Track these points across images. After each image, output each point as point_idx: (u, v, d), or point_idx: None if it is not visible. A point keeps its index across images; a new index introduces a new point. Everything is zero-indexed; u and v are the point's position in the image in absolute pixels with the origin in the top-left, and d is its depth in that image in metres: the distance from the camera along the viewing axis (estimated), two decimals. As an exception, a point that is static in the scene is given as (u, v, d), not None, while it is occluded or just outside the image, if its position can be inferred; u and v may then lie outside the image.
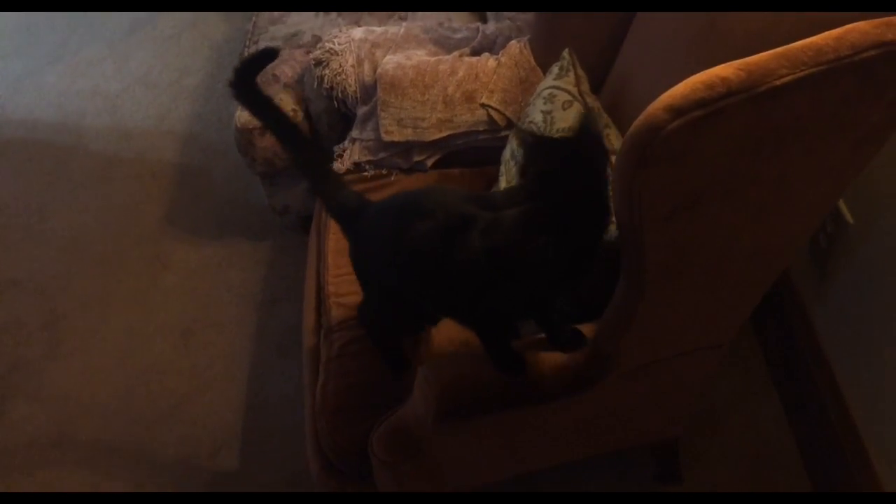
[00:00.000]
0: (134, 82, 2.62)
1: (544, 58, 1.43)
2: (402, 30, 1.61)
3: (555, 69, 1.23)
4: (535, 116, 1.21)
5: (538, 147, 0.90)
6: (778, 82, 0.71)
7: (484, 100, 1.45)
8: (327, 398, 1.26)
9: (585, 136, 0.89)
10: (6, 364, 1.88)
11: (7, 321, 1.97)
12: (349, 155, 1.57)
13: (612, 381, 1.13)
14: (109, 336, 1.93)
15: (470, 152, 1.56)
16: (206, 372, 1.84)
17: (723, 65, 0.71)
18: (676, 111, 0.70)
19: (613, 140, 1.15)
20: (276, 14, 1.92)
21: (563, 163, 0.87)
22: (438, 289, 1.04)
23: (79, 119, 2.51)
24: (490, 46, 1.57)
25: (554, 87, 1.20)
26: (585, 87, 1.21)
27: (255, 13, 1.96)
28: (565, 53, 1.23)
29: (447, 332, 1.27)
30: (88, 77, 2.66)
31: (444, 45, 1.60)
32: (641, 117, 0.72)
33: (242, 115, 1.68)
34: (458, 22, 1.76)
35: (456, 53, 1.53)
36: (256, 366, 1.84)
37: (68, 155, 2.40)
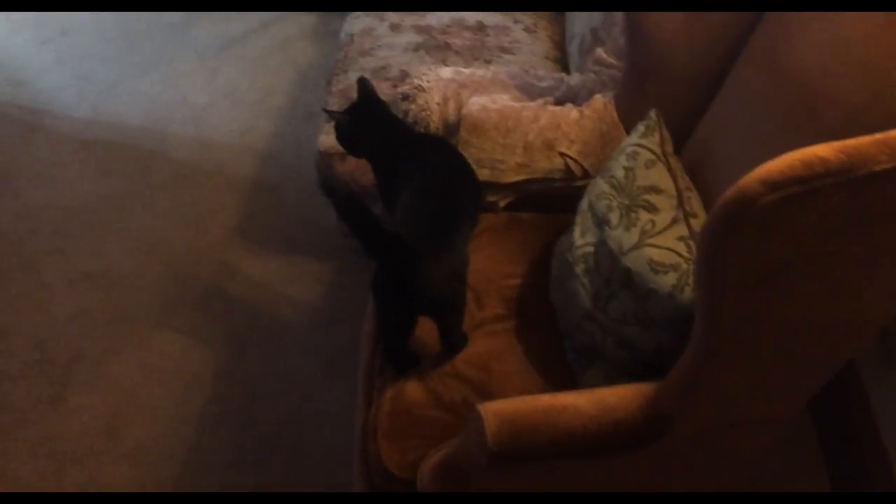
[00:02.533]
0: (220, 97, 2.73)
1: (627, 115, 1.46)
2: (490, 73, 1.66)
3: (640, 127, 1.25)
4: (616, 171, 1.23)
5: None
6: (877, 168, 0.72)
7: (563, 149, 1.48)
8: (381, 422, 1.28)
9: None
10: (71, 352, 1.95)
11: (76, 312, 2.05)
12: (425, 188, 1.61)
13: (669, 443, 1.12)
14: (170, 337, 1.99)
15: (542, 198, 1.59)
16: (259, 383, 1.88)
17: (822, 145, 0.72)
18: (772, 185, 0.71)
19: (695, 204, 1.16)
20: (366, 46, 1.99)
21: None
22: None
23: (164, 126, 2.63)
24: (573, 98, 1.60)
25: (638, 144, 1.22)
26: (669, 148, 1.23)
27: (347, 44, 2.04)
28: (652, 113, 1.25)
29: (516, 384, 1.28)
30: (178, 88, 2.78)
31: (529, 91, 1.64)
32: (735, 187, 0.74)
33: (326, 139, 1.74)
34: (543, 70, 1.80)
35: (540, 101, 1.57)
36: (306, 383, 1.88)
37: (151, 159, 2.50)
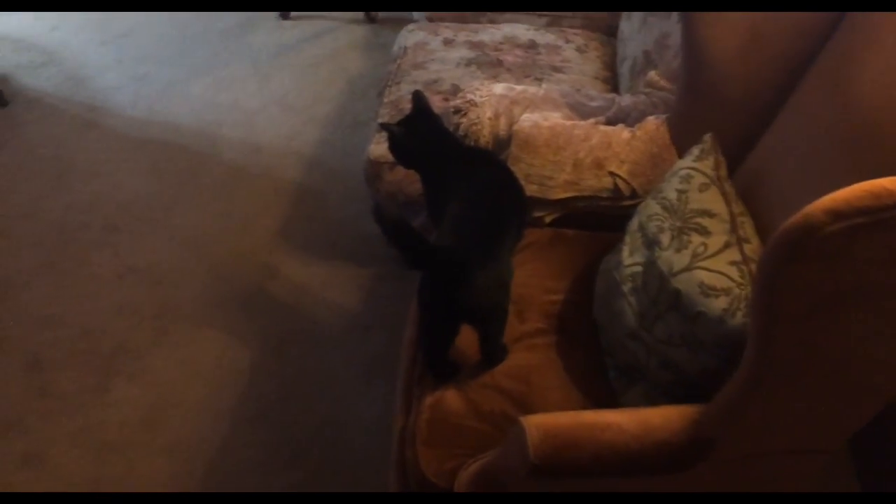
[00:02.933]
0: (271, 102, 2.79)
1: (679, 138, 1.46)
2: (541, 91, 1.67)
3: (695, 151, 1.25)
4: (669, 194, 1.23)
5: None
6: (946, 202, 0.71)
7: (613, 168, 1.49)
8: (420, 430, 1.29)
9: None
10: (115, 344, 2.00)
11: (122, 305, 2.10)
12: (471, 201, 1.62)
13: (709, 467, 1.12)
14: (212, 335, 2.03)
15: (588, 216, 1.59)
16: (295, 384, 1.91)
17: (891, 178, 0.72)
18: (837, 214, 0.72)
19: (748, 230, 1.16)
20: (419, 59, 2.03)
21: None
22: None
23: (216, 129, 2.69)
24: (624, 118, 1.61)
25: (692, 168, 1.23)
26: (723, 172, 1.23)
27: (400, 57, 2.08)
28: (707, 137, 1.25)
29: (555, 399, 1.29)
30: (231, 91, 2.85)
31: (579, 110, 1.66)
32: (800, 215, 0.74)
33: (376, 149, 1.77)
34: (594, 90, 1.81)
35: (592, 121, 1.58)
36: (342, 386, 1.90)
37: (201, 160, 2.56)
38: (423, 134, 1.47)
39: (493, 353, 1.35)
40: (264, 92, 2.85)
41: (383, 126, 1.50)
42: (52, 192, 2.45)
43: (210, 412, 1.85)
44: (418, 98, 1.49)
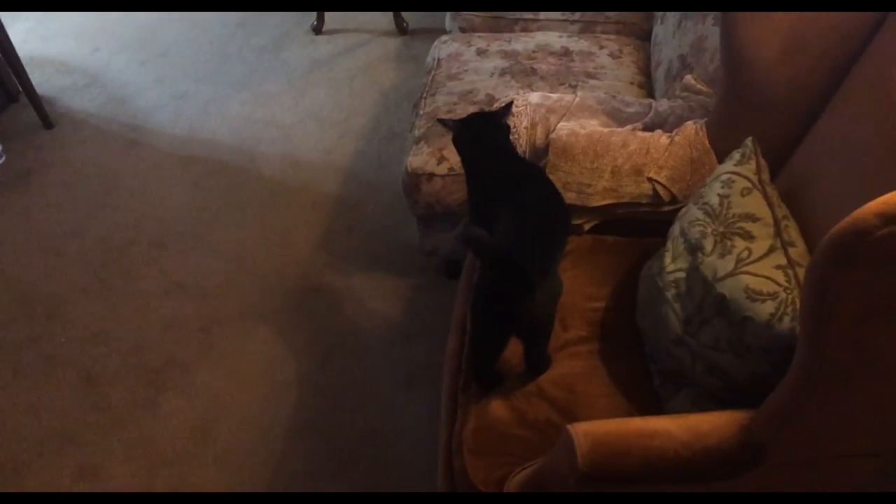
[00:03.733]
0: (307, 116, 2.84)
1: (718, 142, 1.46)
2: (577, 99, 1.68)
3: (736, 155, 1.25)
4: (711, 198, 1.23)
5: None
6: None
7: (652, 174, 1.49)
8: (467, 439, 1.30)
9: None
10: (163, 359, 2.05)
11: (169, 320, 2.15)
12: (510, 210, 1.63)
13: (761, 473, 1.11)
14: (257, 347, 2.07)
15: (627, 223, 1.60)
16: (340, 394, 1.93)
17: (943, 180, 0.72)
18: (889, 218, 0.71)
19: (793, 233, 1.16)
20: (453, 70, 2.04)
21: None
22: None
23: (254, 145, 2.74)
24: (661, 123, 1.61)
25: (734, 172, 1.22)
26: (766, 176, 1.22)
27: (434, 68, 2.10)
28: (748, 141, 1.25)
29: (601, 406, 1.30)
30: (267, 108, 2.90)
31: (616, 117, 1.66)
32: (850, 218, 0.74)
33: (414, 160, 1.79)
34: (629, 96, 1.81)
35: (629, 127, 1.58)
36: (385, 396, 1.92)
37: (242, 176, 2.62)
38: (480, 134, 1.50)
39: (538, 363, 1.36)
40: (300, 107, 2.89)
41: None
42: (99, 211, 2.52)
43: (257, 424, 1.89)
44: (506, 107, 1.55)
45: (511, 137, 1.61)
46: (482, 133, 1.50)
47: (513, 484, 1.20)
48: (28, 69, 2.80)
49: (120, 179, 2.64)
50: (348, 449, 1.82)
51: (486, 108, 1.69)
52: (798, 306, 1.07)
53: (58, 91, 3.04)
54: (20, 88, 2.84)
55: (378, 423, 1.86)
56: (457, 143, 1.53)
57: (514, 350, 1.36)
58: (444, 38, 2.27)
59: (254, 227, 2.42)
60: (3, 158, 2.71)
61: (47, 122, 2.86)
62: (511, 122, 1.65)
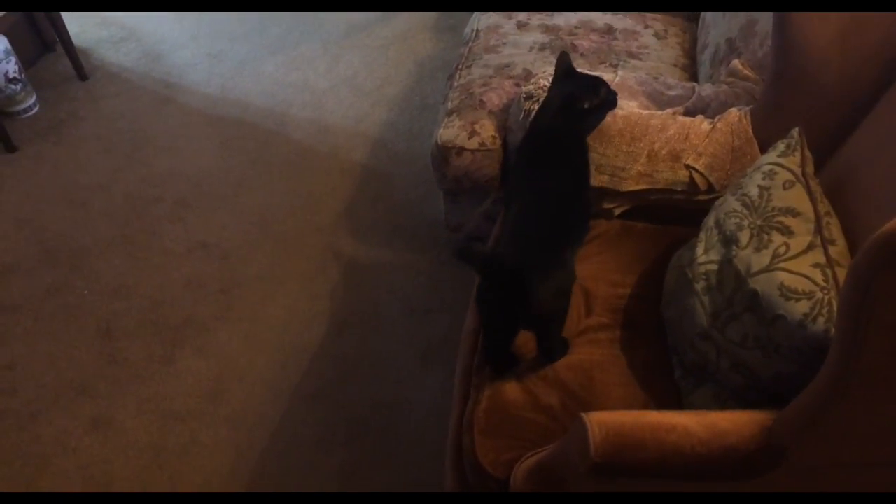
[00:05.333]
0: (340, 83, 2.81)
1: (763, 131, 1.40)
2: (617, 79, 1.62)
3: (780, 146, 1.19)
4: (750, 189, 1.17)
5: None
6: None
7: (690, 161, 1.43)
8: (478, 419, 1.28)
9: None
10: (183, 317, 2.05)
11: (191, 278, 2.15)
12: (539, 189, 1.59)
13: (778, 476, 1.07)
14: (275, 312, 2.06)
15: (658, 209, 1.54)
16: (354, 364, 1.92)
17: None
18: (944, 219, 0.66)
19: (834, 231, 1.10)
20: (491, 43, 1.99)
21: None
22: None
23: (286, 108, 2.72)
24: (704, 109, 1.54)
25: (777, 163, 1.16)
26: (810, 169, 1.16)
27: (472, 40, 2.05)
28: (795, 132, 1.19)
29: (617, 395, 1.26)
30: (301, 71, 2.87)
31: (657, 99, 1.60)
32: (900, 218, 0.69)
33: (445, 133, 1.75)
34: (672, 78, 1.75)
35: (669, 111, 1.52)
36: (400, 369, 1.91)
37: (270, 138, 2.60)
38: (544, 112, 1.45)
39: (551, 349, 1.33)
40: (334, 72, 2.86)
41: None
42: (128, 166, 2.52)
43: (271, 387, 1.88)
44: (562, 60, 1.48)
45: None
46: (546, 110, 1.45)
47: (522, 469, 1.17)
48: (65, 19, 2.80)
49: (150, 135, 2.64)
50: (360, 419, 1.81)
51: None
52: (835, 308, 1.02)
53: (94, 43, 3.04)
54: (57, 38, 2.84)
55: (391, 396, 1.85)
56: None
57: (531, 334, 1.33)
58: (484, 9, 2.21)
59: (279, 191, 2.40)
60: (37, 108, 2.72)
61: (82, 73, 2.86)
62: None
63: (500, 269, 1.23)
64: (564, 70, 1.47)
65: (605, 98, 1.43)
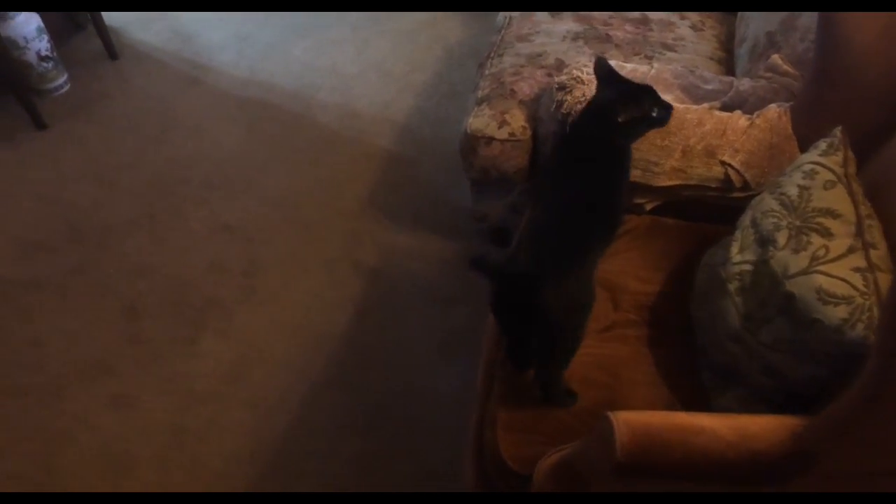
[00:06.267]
0: (369, 68, 2.79)
1: (801, 129, 1.36)
2: (653, 71, 1.59)
3: (822, 145, 1.15)
4: (789, 189, 1.14)
5: None
6: None
7: (726, 158, 1.40)
8: (500, 414, 1.26)
9: None
10: (205, 298, 2.06)
11: (214, 261, 2.16)
12: (568, 182, 1.56)
13: (806, 483, 1.04)
14: (297, 296, 2.06)
15: (691, 206, 1.51)
16: (375, 352, 1.91)
17: None
18: None
19: (875, 234, 1.06)
20: (524, 31, 1.96)
21: None
22: None
23: (313, 92, 2.71)
24: (741, 104, 1.51)
25: (818, 163, 1.13)
26: (852, 170, 1.13)
27: (504, 28, 2.02)
28: (837, 131, 1.15)
29: (643, 394, 1.24)
30: (329, 56, 2.86)
31: (693, 93, 1.56)
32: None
33: (475, 122, 1.73)
34: (708, 72, 1.71)
35: (706, 105, 1.48)
36: (420, 357, 1.90)
37: (297, 122, 2.59)
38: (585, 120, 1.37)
39: (550, 385, 1.25)
40: (362, 57, 2.84)
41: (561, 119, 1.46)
42: (155, 146, 2.52)
43: (291, 371, 1.88)
44: (599, 65, 1.36)
45: (578, 107, 1.53)
46: (584, 115, 1.37)
47: (545, 466, 1.15)
48: (97, -2, 2.81)
49: (178, 116, 2.64)
50: (378, 408, 1.80)
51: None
52: (875, 314, 0.98)
53: (125, 22, 3.04)
54: (89, 17, 2.85)
55: (411, 385, 1.84)
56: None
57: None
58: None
59: (304, 176, 2.39)
60: (68, 87, 2.73)
61: (112, 52, 2.87)
62: (581, 90, 1.57)
63: (511, 276, 1.18)
64: (606, 74, 1.35)
65: (647, 112, 1.30)
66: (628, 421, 1.03)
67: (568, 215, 1.26)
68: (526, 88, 1.75)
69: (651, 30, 1.95)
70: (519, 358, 1.32)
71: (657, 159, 1.43)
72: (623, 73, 1.51)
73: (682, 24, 1.98)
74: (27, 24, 2.51)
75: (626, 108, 1.27)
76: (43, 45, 2.59)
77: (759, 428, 1.04)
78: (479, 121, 1.72)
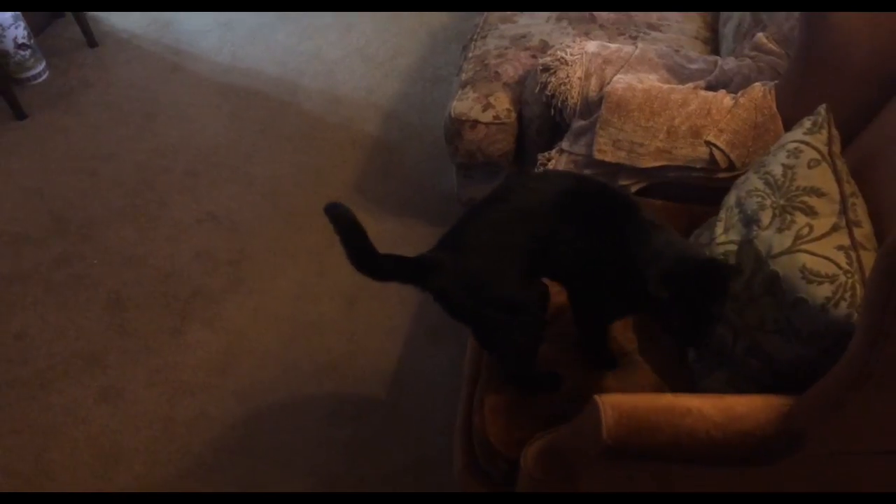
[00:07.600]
0: (352, 52, 2.76)
1: (787, 107, 1.35)
2: (637, 51, 1.57)
3: (806, 123, 1.15)
4: (774, 168, 1.14)
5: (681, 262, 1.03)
6: None
7: (710, 137, 1.39)
8: (489, 397, 1.26)
9: (718, 273, 1.04)
10: (191, 289, 2.04)
11: (199, 250, 2.14)
12: (554, 165, 1.56)
13: (793, 463, 1.05)
14: (284, 285, 2.04)
15: (676, 187, 1.51)
16: (364, 339, 1.91)
17: None
18: None
19: (860, 212, 1.06)
20: (507, 13, 1.94)
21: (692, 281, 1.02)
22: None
23: (297, 77, 2.68)
24: (726, 83, 1.50)
25: (802, 141, 1.12)
26: (837, 148, 1.12)
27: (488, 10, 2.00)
28: (822, 109, 1.14)
29: (638, 378, 1.24)
30: (313, 40, 2.83)
31: (678, 73, 1.55)
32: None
33: (459, 105, 1.72)
34: (694, 52, 1.70)
35: (691, 85, 1.48)
36: (409, 344, 1.89)
37: (282, 109, 2.56)
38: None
39: (517, 381, 1.26)
40: (346, 42, 2.81)
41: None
42: (137, 135, 2.49)
43: (280, 361, 1.87)
44: None
45: (561, 88, 1.52)
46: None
47: (533, 449, 1.15)
48: (74, -15, 2.76)
49: (160, 104, 2.61)
50: (368, 394, 1.80)
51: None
52: (858, 292, 0.98)
53: (104, 9, 3.00)
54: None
55: (400, 371, 1.84)
56: None
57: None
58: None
59: (289, 163, 2.37)
60: (47, 75, 2.70)
61: (92, 40, 2.83)
62: (565, 71, 1.55)
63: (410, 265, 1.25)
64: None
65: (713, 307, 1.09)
66: (615, 404, 1.03)
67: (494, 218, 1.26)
68: (510, 71, 1.73)
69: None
70: (484, 345, 1.33)
71: (642, 140, 1.42)
72: (607, 52, 1.50)
73: (666, 4, 1.97)
74: (2, 12, 2.47)
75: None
76: (20, 32, 2.54)
77: (746, 408, 1.04)
78: (464, 104, 1.71)
